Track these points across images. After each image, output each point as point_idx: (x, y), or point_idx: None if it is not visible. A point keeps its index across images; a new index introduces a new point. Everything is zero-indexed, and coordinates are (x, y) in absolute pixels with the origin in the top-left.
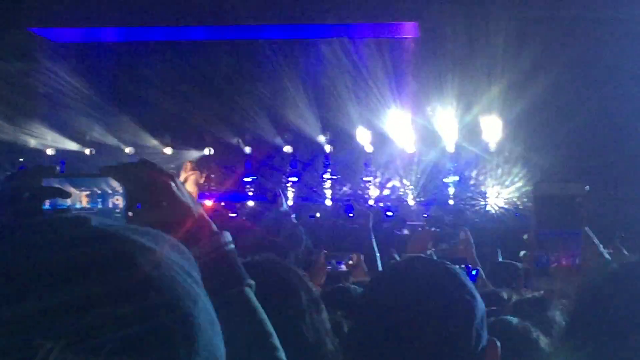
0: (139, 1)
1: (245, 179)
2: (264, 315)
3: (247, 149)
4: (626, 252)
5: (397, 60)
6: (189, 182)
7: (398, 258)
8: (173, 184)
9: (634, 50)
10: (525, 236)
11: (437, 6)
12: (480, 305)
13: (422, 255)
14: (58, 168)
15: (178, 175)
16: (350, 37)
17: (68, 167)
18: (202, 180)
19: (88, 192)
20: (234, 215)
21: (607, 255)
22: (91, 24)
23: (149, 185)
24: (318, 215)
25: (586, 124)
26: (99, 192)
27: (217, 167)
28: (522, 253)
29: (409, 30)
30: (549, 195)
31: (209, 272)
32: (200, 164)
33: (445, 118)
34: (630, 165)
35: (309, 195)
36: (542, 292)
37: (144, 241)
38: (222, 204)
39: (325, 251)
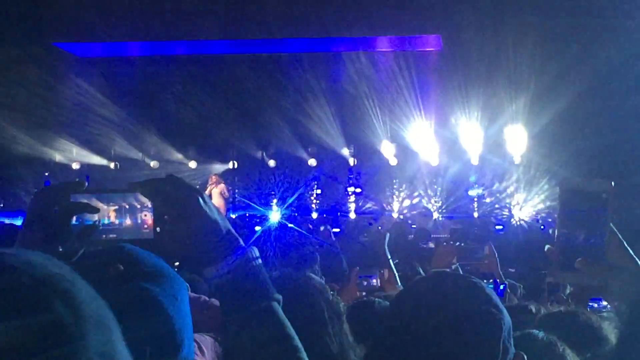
0: (162, 15)
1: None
2: (292, 330)
3: (272, 162)
4: None
5: (420, 73)
6: (215, 195)
7: (422, 271)
8: (200, 199)
9: None
10: (547, 246)
11: (459, 18)
12: (507, 318)
13: (448, 270)
14: (86, 183)
15: (204, 189)
16: (374, 50)
17: (93, 181)
18: (227, 194)
19: (116, 207)
20: (259, 229)
21: (631, 253)
22: (115, 39)
23: (176, 200)
24: (337, 230)
25: (611, 135)
26: (127, 207)
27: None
28: (547, 247)
29: (432, 42)
30: (574, 190)
31: (236, 286)
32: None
33: (469, 130)
34: None
35: (332, 209)
36: (568, 307)
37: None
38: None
39: (358, 268)
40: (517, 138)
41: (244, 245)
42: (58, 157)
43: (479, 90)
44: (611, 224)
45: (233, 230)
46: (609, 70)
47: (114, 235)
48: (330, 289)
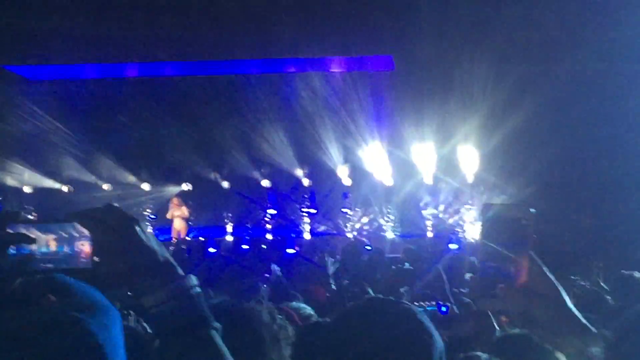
0: (114, 38)
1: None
2: (230, 358)
3: (225, 184)
4: (604, 285)
5: (373, 93)
6: (177, 218)
7: (371, 292)
8: (138, 228)
9: (610, 84)
10: (468, 275)
11: (411, 39)
12: (439, 343)
13: (380, 296)
14: (23, 213)
15: (160, 211)
16: (326, 71)
17: (45, 205)
18: (188, 216)
19: (55, 237)
20: (214, 250)
21: (552, 277)
22: (67, 61)
23: (113, 230)
24: (292, 251)
25: (562, 154)
26: (66, 236)
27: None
28: (467, 275)
29: (385, 63)
30: (494, 217)
31: (174, 315)
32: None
33: (423, 150)
34: (608, 195)
35: (287, 229)
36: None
37: None
38: (201, 239)
39: None
40: (469, 157)
41: (182, 273)
42: (9, 181)
43: (432, 109)
44: (531, 252)
45: (171, 259)
46: (560, 89)
47: (52, 265)
48: (279, 313)
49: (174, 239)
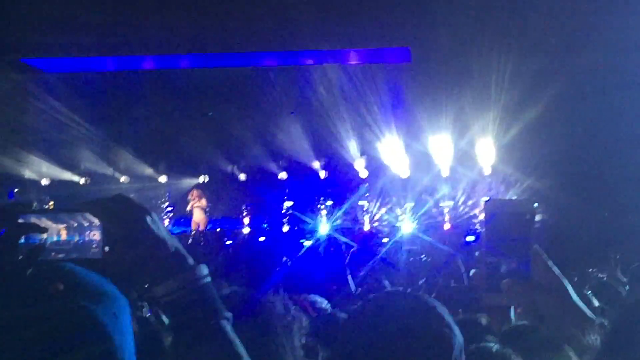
0: (130, 30)
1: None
2: (242, 348)
3: (242, 176)
4: (622, 277)
5: (390, 85)
6: (196, 211)
7: (388, 285)
8: (148, 218)
9: (629, 76)
10: (473, 270)
11: (428, 30)
12: (459, 337)
13: (399, 289)
14: (35, 203)
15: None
16: (343, 63)
17: (62, 196)
18: (207, 208)
19: (65, 226)
20: (230, 242)
21: (557, 271)
22: (83, 54)
23: (124, 219)
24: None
25: (579, 146)
26: (76, 225)
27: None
28: (472, 271)
29: (402, 55)
30: (498, 213)
31: (185, 305)
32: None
33: (440, 142)
34: (624, 186)
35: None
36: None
37: None
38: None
39: None
40: (486, 149)
41: (192, 263)
42: (27, 173)
43: (449, 102)
44: (536, 246)
45: (182, 249)
46: (578, 81)
47: (63, 254)
48: (293, 304)
49: (193, 231)
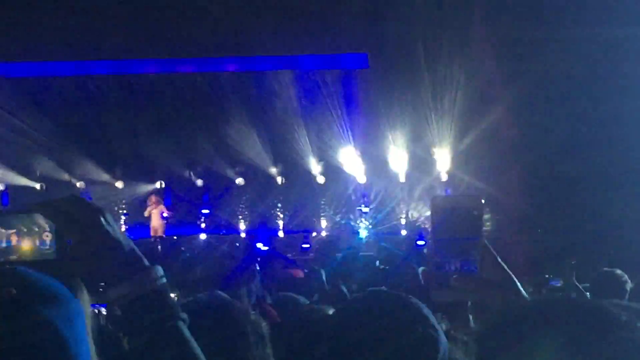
0: (87, 35)
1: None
2: (198, 350)
3: (199, 182)
4: (577, 283)
5: (347, 91)
6: (154, 216)
7: (345, 290)
8: (102, 219)
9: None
10: (421, 268)
11: (385, 37)
12: (443, 338)
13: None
14: None
15: (136, 209)
16: (301, 69)
17: (17, 202)
18: (166, 213)
19: (14, 231)
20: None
21: (505, 267)
22: (39, 58)
23: (77, 220)
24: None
25: (535, 153)
26: (25, 229)
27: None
28: (420, 269)
29: (359, 61)
30: (444, 208)
31: (140, 307)
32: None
33: (396, 148)
34: (582, 193)
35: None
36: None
37: None
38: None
39: None
40: (443, 155)
41: (147, 264)
42: None
43: (406, 107)
44: (485, 241)
45: (137, 250)
46: (532, 87)
47: (15, 257)
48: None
49: (152, 237)
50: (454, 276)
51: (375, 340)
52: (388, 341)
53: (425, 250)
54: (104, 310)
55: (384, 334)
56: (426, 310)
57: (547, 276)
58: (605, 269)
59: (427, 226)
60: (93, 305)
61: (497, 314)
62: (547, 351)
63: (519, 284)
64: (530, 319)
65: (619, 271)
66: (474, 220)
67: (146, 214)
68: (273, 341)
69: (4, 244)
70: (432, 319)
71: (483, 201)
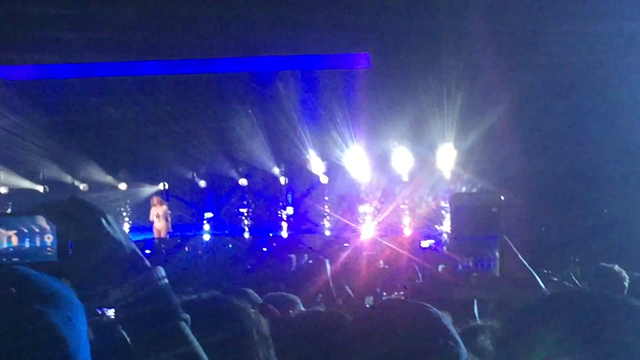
0: (90, 38)
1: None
2: (200, 350)
3: (202, 183)
4: (576, 280)
5: (350, 91)
6: (160, 217)
7: (349, 290)
8: (103, 220)
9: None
10: (441, 266)
11: (388, 36)
12: (463, 350)
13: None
14: None
15: (140, 211)
16: (303, 69)
17: (21, 205)
18: (169, 215)
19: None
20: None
21: (526, 264)
22: (42, 61)
23: (78, 222)
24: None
25: (540, 150)
26: (26, 231)
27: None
28: (440, 267)
29: (362, 61)
30: (464, 205)
31: (142, 307)
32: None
33: (399, 147)
34: (585, 190)
35: (264, 227)
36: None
37: None
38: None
39: None
40: (447, 154)
41: (149, 265)
42: None
43: (408, 107)
44: (504, 237)
45: (138, 251)
46: (535, 85)
47: (17, 259)
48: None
49: (155, 238)
50: (474, 274)
51: (395, 352)
52: (408, 352)
53: (444, 248)
54: (108, 312)
55: (405, 344)
56: (446, 321)
57: (545, 272)
58: (604, 264)
59: (436, 226)
60: (99, 308)
61: (521, 307)
62: (564, 339)
63: (539, 279)
64: (549, 310)
65: (617, 267)
66: (493, 218)
67: (151, 218)
68: (276, 342)
69: (5, 245)
70: (452, 330)
71: (502, 198)
